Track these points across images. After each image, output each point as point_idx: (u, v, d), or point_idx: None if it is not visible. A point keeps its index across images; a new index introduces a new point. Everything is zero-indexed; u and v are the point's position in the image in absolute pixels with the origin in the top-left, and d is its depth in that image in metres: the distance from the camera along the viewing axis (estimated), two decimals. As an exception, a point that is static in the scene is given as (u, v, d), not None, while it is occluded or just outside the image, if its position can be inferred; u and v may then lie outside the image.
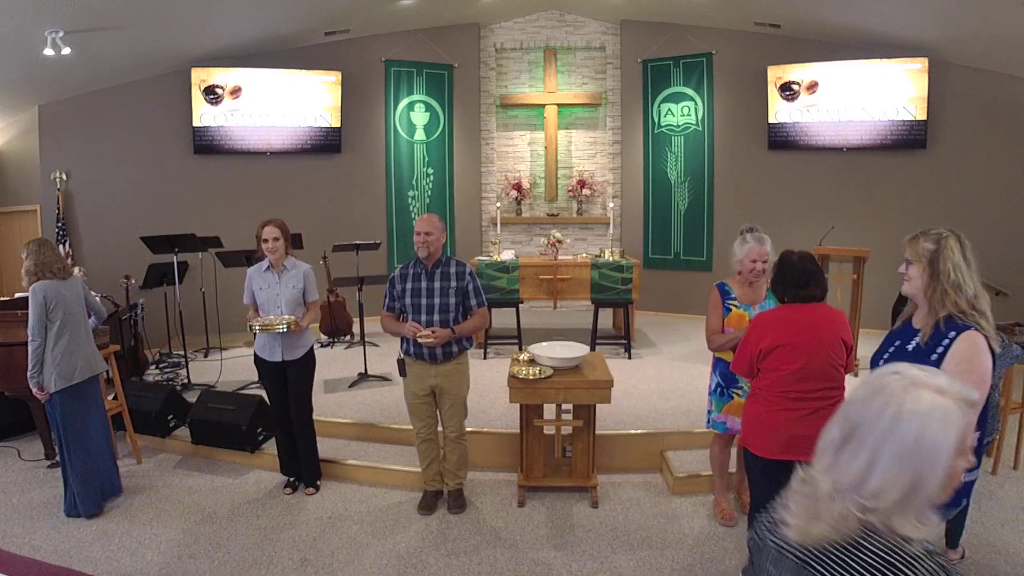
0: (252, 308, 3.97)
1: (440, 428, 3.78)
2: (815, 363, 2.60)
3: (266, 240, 3.84)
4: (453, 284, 3.59)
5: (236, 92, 7.42)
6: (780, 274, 2.77)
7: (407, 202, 8.18)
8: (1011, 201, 6.75)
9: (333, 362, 6.08)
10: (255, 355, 3.99)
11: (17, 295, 5.92)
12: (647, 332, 7.18)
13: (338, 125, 7.76)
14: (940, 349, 2.08)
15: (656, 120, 8.09)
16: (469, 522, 3.65)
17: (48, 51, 5.68)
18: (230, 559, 3.28)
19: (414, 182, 8.19)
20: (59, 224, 7.18)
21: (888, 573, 0.99)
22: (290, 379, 3.95)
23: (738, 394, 3.42)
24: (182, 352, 5.95)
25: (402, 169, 8.14)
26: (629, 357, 6.18)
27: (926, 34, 6.46)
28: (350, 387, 5.45)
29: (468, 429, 3.89)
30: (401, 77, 8.02)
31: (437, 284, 3.59)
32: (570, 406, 3.83)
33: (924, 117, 6.86)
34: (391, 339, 4.44)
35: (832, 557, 1.05)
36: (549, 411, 3.93)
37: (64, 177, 7.26)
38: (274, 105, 7.54)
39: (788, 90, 7.32)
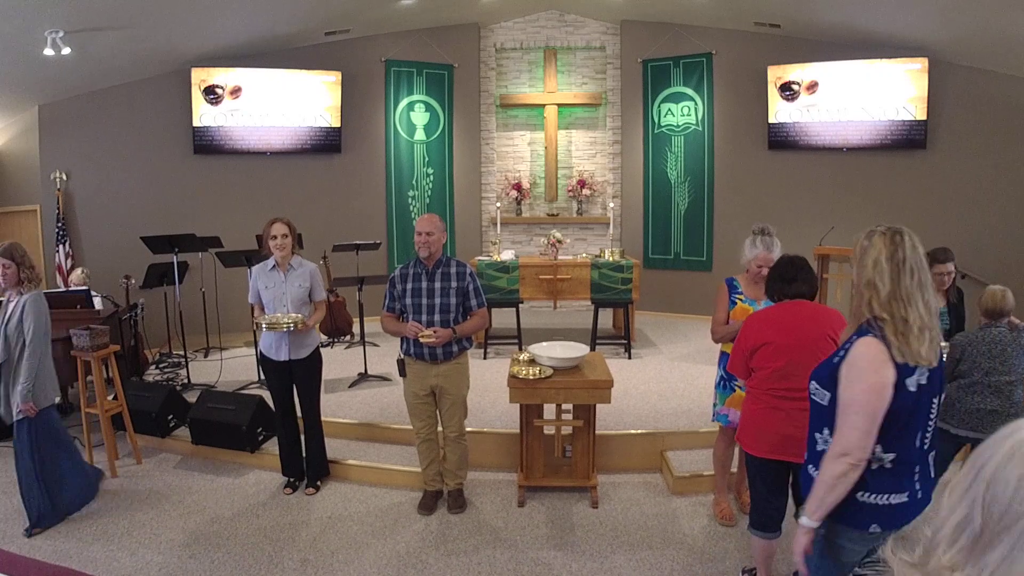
0: (257, 307, 3.98)
1: (440, 428, 3.79)
2: (797, 361, 2.57)
3: (275, 237, 3.84)
4: (453, 284, 3.59)
5: (236, 92, 7.42)
6: (770, 273, 2.84)
7: (407, 202, 8.18)
8: (1011, 201, 6.74)
9: (333, 362, 6.06)
10: (261, 354, 3.99)
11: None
12: (647, 332, 7.18)
13: (338, 125, 7.76)
14: (838, 357, 1.89)
15: (656, 120, 8.08)
16: (469, 522, 3.65)
17: (48, 51, 5.68)
18: (230, 559, 3.28)
19: (414, 182, 8.19)
20: (59, 224, 7.18)
21: None
22: (297, 379, 3.96)
23: (739, 387, 3.45)
24: (182, 352, 5.95)
25: (402, 169, 8.14)
26: (629, 357, 6.18)
27: (926, 34, 6.46)
28: (350, 387, 5.45)
29: (468, 429, 3.89)
30: (401, 77, 8.02)
31: (437, 284, 3.59)
32: (570, 406, 3.83)
33: (924, 117, 6.86)
34: (391, 339, 4.44)
35: None
36: (549, 411, 3.93)
37: (64, 177, 7.26)
38: (274, 105, 7.54)
39: (788, 90, 7.32)
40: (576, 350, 3.91)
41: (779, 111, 7.40)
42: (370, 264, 7.23)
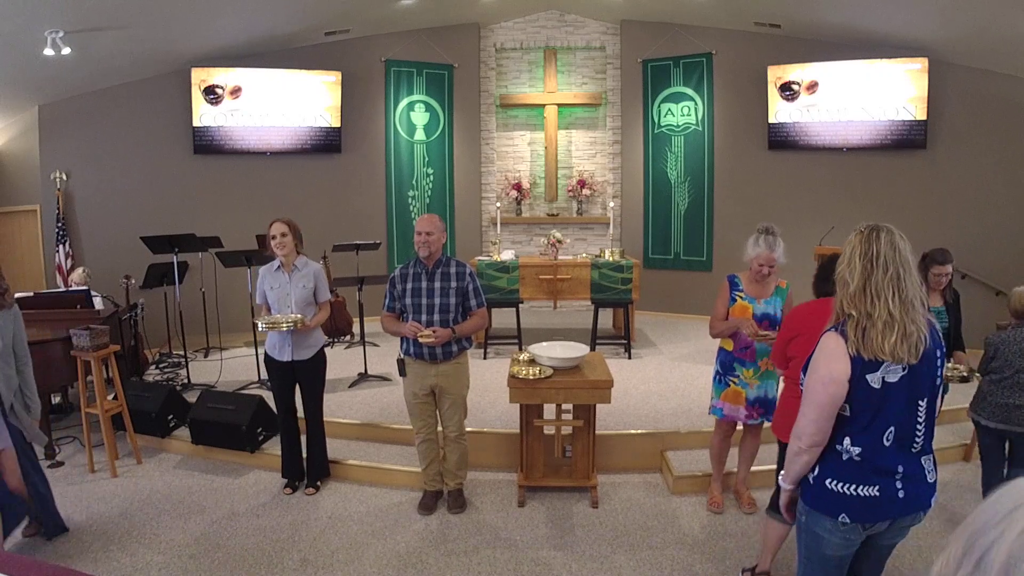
0: (264, 308, 3.98)
1: (440, 428, 3.79)
2: None
3: (274, 236, 3.84)
4: (453, 284, 3.59)
5: (236, 92, 7.42)
6: (817, 272, 2.95)
7: (407, 202, 8.18)
8: (1011, 201, 6.74)
9: (333, 362, 6.00)
10: (265, 354, 3.99)
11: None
12: (647, 332, 7.18)
13: (338, 125, 7.76)
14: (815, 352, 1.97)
15: (656, 120, 8.09)
16: (469, 522, 3.65)
17: (48, 51, 5.68)
18: (230, 559, 3.28)
19: (414, 182, 8.19)
20: (59, 224, 7.18)
21: None
22: (300, 379, 3.95)
23: (734, 382, 3.54)
24: (182, 352, 5.96)
25: (402, 169, 8.14)
26: (629, 357, 6.18)
27: (926, 34, 6.46)
28: (350, 387, 5.45)
29: (468, 429, 3.89)
30: (401, 77, 8.02)
31: (437, 284, 3.59)
32: (570, 406, 3.83)
33: (924, 117, 6.86)
34: (391, 339, 4.45)
35: None
36: (549, 411, 3.93)
37: (64, 177, 7.26)
38: (274, 105, 7.54)
39: (788, 90, 7.32)
40: (576, 350, 3.91)
41: (779, 111, 7.40)
42: (370, 264, 7.23)
